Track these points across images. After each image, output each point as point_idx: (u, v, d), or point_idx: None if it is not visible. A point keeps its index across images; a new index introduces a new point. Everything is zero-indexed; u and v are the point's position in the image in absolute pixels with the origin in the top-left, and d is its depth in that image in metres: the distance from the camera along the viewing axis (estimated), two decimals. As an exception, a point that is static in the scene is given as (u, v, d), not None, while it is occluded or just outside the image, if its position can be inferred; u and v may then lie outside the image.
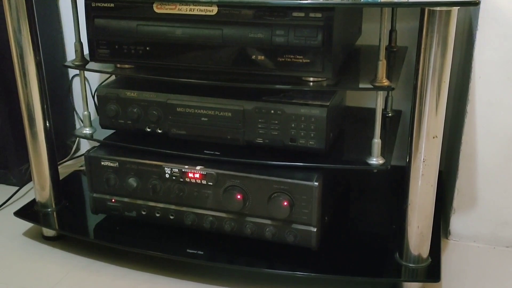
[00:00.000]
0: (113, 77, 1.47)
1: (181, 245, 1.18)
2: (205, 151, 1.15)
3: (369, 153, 1.10)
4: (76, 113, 1.74)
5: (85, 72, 1.23)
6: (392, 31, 1.37)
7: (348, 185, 1.45)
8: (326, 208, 1.14)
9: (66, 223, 1.30)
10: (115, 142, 1.21)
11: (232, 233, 1.15)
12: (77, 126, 1.77)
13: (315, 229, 1.09)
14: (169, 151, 1.16)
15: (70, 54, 1.70)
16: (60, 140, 1.66)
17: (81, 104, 1.71)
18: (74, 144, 1.76)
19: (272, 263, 1.14)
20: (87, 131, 1.26)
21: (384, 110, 1.41)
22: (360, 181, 1.48)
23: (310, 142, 1.10)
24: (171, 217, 1.18)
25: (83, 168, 1.52)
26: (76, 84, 1.74)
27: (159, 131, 1.19)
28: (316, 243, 1.11)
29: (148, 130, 1.19)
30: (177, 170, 1.14)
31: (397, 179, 1.18)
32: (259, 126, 1.12)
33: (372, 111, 1.37)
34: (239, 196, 1.10)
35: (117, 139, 1.23)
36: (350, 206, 1.36)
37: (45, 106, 1.24)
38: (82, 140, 1.78)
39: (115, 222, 1.26)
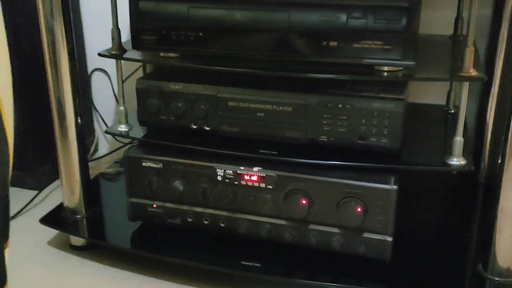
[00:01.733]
0: (140, 69, 1.35)
1: (233, 257, 1.07)
2: (260, 151, 1.04)
3: (447, 153, 0.99)
4: (96, 110, 1.62)
5: (120, 61, 1.11)
6: (458, 18, 1.26)
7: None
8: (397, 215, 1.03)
9: (98, 231, 1.19)
10: (159, 141, 1.09)
11: (292, 243, 1.04)
12: (96, 124, 1.65)
13: (390, 239, 0.98)
14: (221, 151, 1.05)
15: (90, 44, 1.58)
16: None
17: (100, 101, 1.61)
18: (92, 145, 1.64)
19: (337, 276, 1.03)
20: (122, 128, 1.15)
21: (446, 106, 1.31)
22: (412, 184, 1.37)
23: (383, 140, 0.99)
24: (222, 225, 1.07)
25: (110, 170, 1.40)
26: (96, 79, 1.62)
27: (207, 128, 1.07)
28: (390, 254, 0.99)
29: (194, 127, 1.08)
30: (231, 172, 1.02)
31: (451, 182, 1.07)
32: (324, 122, 1.01)
33: (429, 107, 1.26)
34: (303, 201, 0.99)
35: (158, 138, 1.11)
36: (412, 212, 1.25)
37: (76, 100, 1.12)
38: (101, 140, 1.66)
39: (155, 230, 1.14)
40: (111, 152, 1.58)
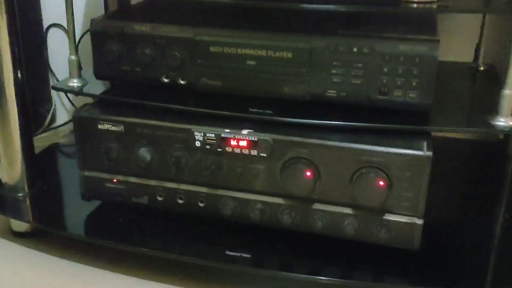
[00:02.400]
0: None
1: (216, 246, 0.84)
2: (251, 109, 0.81)
3: (489, 113, 0.78)
4: (53, 73, 1.37)
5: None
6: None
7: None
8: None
9: (45, 213, 0.95)
10: (119, 98, 0.85)
11: (292, 227, 0.81)
12: (52, 90, 1.40)
13: (420, 222, 0.76)
14: (201, 109, 0.81)
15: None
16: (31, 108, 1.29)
17: (58, 63, 1.36)
18: (49, 113, 1.39)
19: (348, 270, 0.81)
20: (74, 83, 0.90)
21: (473, 63, 1.09)
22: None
23: (411, 95, 0.77)
24: (201, 205, 0.84)
25: (65, 140, 1.16)
26: (52, 37, 1.36)
27: (182, 82, 0.84)
28: (419, 242, 0.77)
29: (166, 80, 0.85)
30: (213, 135, 0.79)
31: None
32: (334, 72, 0.78)
33: (454, 64, 1.06)
34: (307, 173, 0.76)
35: (119, 94, 0.87)
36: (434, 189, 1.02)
37: (15, 50, 0.88)
38: (59, 108, 1.41)
39: (115, 213, 0.91)
40: (70, 121, 1.33)
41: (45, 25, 1.38)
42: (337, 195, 0.78)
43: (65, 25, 1.33)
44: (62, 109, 1.41)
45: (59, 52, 1.36)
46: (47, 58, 1.38)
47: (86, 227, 0.91)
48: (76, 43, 0.91)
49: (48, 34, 1.38)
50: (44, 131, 1.35)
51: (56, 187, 1.01)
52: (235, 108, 0.82)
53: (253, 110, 0.82)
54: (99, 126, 0.84)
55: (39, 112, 1.38)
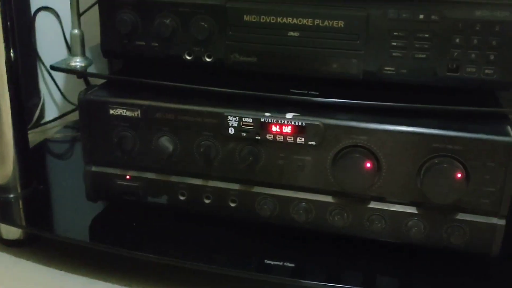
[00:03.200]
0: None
1: (252, 254, 0.71)
2: (292, 90, 0.68)
3: None
4: (41, 62, 1.23)
5: None
6: None
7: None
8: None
9: (40, 217, 0.80)
10: (136, 78, 0.72)
11: (343, 230, 0.69)
12: (41, 83, 1.25)
13: (502, 222, 0.64)
14: (234, 91, 0.68)
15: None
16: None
17: (47, 51, 1.21)
18: (37, 108, 1.24)
19: (411, 281, 0.68)
20: (77, 62, 0.77)
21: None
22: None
23: (487, 71, 0.65)
24: (232, 205, 0.71)
25: (59, 135, 1.02)
26: (41, 22, 1.22)
27: (208, 59, 0.71)
28: (499, 247, 0.65)
29: (189, 58, 0.72)
30: (251, 120, 0.66)
31: None
32: (394, 44, 0.66)
33: None
34: (367, 165, 0.63)
35: (134, 75, 0.74)
36: None
37: (9, 37, 0.74)
38: (48, 102, 1.26)
39: (127, 216, 0.77)
40: (61, 116, 1.19)
41: (33, 9, 1.23)
42: (400, 191, 0.66)
43: (55, 8, 1.20)
44: (51, 103, 1.27)
45: (48, 39, 1.22)
46: (35, 45, 1.24)
47: (90, 232, 0.77)
48: (78, 16, 0.77)
49: (36, 19, 1.23)
50: (34, 127, 1.20)
51: (52, 187, 0.87)
52: (272, 89, 0.69)
53: (295, 91, 0.69)
54: (111, 111, 0.71)
55: (27, 106, 1.23)
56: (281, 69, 0.70)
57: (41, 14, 1.23)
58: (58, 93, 1.23)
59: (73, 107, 1.19)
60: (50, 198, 0.84)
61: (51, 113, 1.27)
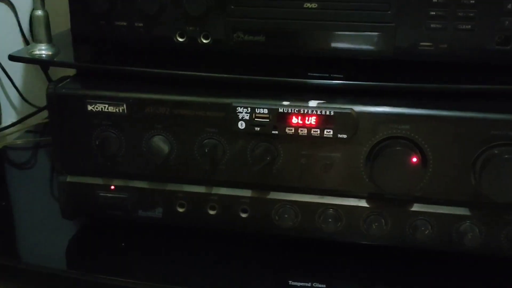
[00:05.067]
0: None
1: (273, 274, 0.59)
2: (310, 74, 0.57)
3: None
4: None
5: None
6: None
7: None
8: None
9: (4, 241, 0.66)
10: (121, 67, 0.59)
11: (381, 240, 0.57)
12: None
13: None
14: (243, 77, 0.57)
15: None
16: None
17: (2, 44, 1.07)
18: (-9, 111, 1.10)
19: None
20: (43, 50, 0.63)
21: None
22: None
23: (546, 42, 0.55)
24: (243, 215, 0.59)
25: (20, 141, 0.88)
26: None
27: (205, 41, 0.59)
28: None
29: (181, 40, 0.60)
30: (266, 111, 0.54)
31: None
32: (432, 14, 0.55)
33: None
34: (413, 159, 0.52)
35: (113, 63, 0.61)
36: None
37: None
38: (4, 105, 1.11)
39: (111, 234, 0.64)
40: (21, 120, 1.04)
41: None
42: (450, 189, 0.55)
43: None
44: (8, 107, 1.12)
45: (3, 35, 1.07)
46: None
47: (67, 258, 0.64)
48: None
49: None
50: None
51: (16, 203, 0.73)
52: (283, 73, 0.58)
53: (314, 74, 0.58)
54: (89, 107, 0.58)
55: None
56: (295, 50, 0.59)
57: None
58: (16, 94, 1.08)
59: (34, 109, 1.05)
60: (14, 217, 0.70)
61: (8, 117, 1.12)
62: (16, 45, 1.07)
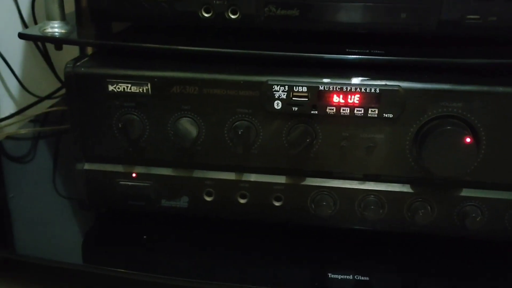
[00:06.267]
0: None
1: (311, 267, 0.55)
2: (349, 50, 0.53)
3: None
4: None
5: None
6: None
7: None
8: None
9: (13, 236, 0.61)
10: (143, 44, 0.55)
11: (426, 228, 0.54)
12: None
13: None
14: (279, 53, 0.52)
15: None
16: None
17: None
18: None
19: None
20: (55, 28, 0.59)
21: None
22: None
23: None
24: (277, 204, 0.55)
25: (24, 131, 0.83)
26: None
27: (233, 16, 0.55)
28: None
29: (207, 15, 0.55)
30: (305, 89, 0.50)
31: None
32: (482, -17, 0.52)
33: None
34: (467, 139, 0.48)
35: (135, 41, 0.57)
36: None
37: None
38: (2, 93, 1.06)
39: (131, 226, 0.60)
40: (22, 110, 0.99)
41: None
42: (504, 172, 0.51)
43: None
44: (6, 97, 1.07)
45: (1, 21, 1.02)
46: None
47: (83, 252, 0.59)
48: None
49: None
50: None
51: (25, 196, 0.68)
52: (320, 50, 0.54)
53: (353, 50, 0.54)
54: (111, 88, 0.53)
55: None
56: (331, 25, 0.55)
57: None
58: (15, 82, 1.03)
59: (35, 99, 1.00)
60: (24, 209, 0.65)
61: (6, 107, 1.07)
62: (15, 30, 1.02)
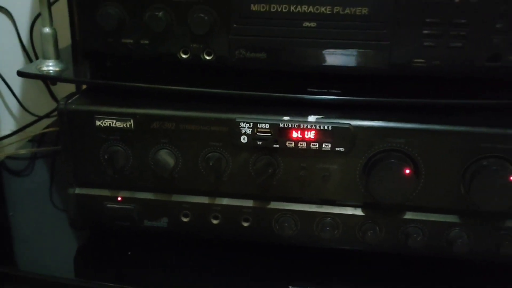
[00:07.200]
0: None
1: (274, 279, 0.62)
2: (309, 89, 0.60)
3: None
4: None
5: None
6: None
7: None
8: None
9: (12, 251, 0.69)
10: (126, 83, 0.62)
11: (376, 248, 0.61)
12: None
13: (558, 227, 0.58)
14: (249, 93, 0.60)
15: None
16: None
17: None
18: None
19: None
20: (50, 66, 0.66)
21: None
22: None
23: (531, 58, 0.58)
24: (245, 224, 0.62)
25: (23, 152, 0.90)
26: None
27: (208, 57, 0.62)
28: (552, 254, 0.59)
29: (184, 56, 0.62)
30: (267, 126, 0.57)
31: None
32: (425, 33, 0.59)
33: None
34: (406, 171, 0.55)
35: (119, 79, 0.64)
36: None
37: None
38: (3, 114, 1.13)
39: (118, 243, 0.67)
40: (22, 129, 1.06)
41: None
42: (441, 198, 0.59)
43: (8, 8, 1.07)
44: (7, 115, 1.14)
45: (0, 43, 1.09)
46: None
47: (75, 266, 0.66)
48: (49, 10, 0.67)
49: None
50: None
51: (24, 214, 0.75)
52: (283, 89, 0.61)
53: (313, 90, 0.61)
54: (98, 123, 0.60)
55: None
56: (296, 66, 0.62)
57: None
58: (15, 103, 1.10)
59: (34, 118, 1.07)
60: (22, 227, 0.72)
61: (7, 125, 1.14)
62: (14, 52, 1.09)
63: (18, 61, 1.09)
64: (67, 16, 0.69)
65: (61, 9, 0.77)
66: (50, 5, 0.66)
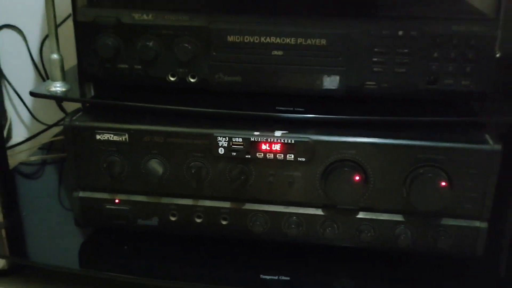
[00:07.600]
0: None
1: (247, 269, 0.73)
2: (277, 108, 0.71)
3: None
4: (7, 80, 1.21)
5: None
6: None
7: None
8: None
9: (25, 245, 0.80)
10: (123, 102, 0.73)
11: (334, 242, 0.72)
12: (7, 102, 1.23)
13: (485, 225, 0.68)
14: (226, 111, 0.70)
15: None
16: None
17: (13, 70, 1.20)
18: (4, 129, 1.22)
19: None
20: (57, 87, 0.77)
21: None
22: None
23: (464, 82, 0.69)
24: (224, 222, 0.73)
25: (34, 158, 1.01)
26: (5, 40, 1.20)
27: (192, 80, 0.73)
28: (482, 248, 0.70)
29: (172, 79, 0.73)
30: (240, 140, 0.68)
31: None
32: (375, 60, 0.69)
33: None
34: (356, 178, 0.66)
35: (116, 98, 0.75)
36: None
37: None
38: (15, 122, 1.25)
39: (115, 239, 0.78)
40: (33, 137, 1.17)
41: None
42: (387, 201, 0.69)
43: (19, 26, 1.18)
44: (19, 124, 1.25)
45: (12, 57, 1.20)
46: (-1, 64, 1.22)
47: (80, 258, 0.77)
48: (57, 40, 0.77)
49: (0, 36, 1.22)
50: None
51: (36, 214, 0.86)
52: (257, 107, 0.71)
53: (281, 108, 0.71)
54: (98, 137, 0.71)
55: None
56: (266, 88, 0.73)
57: (4, 31, 1.21)
58: (26, 113, 1.21)
59: (44, 127, 1.18)
60: (34, 226, 0.83)
61: (18, 133, 1.25)
62: (26, 67, 1.20)
63: (29, 75, 1.20)
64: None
65: (69, 28, 0.86)
66: (57, 34, 0.76)
